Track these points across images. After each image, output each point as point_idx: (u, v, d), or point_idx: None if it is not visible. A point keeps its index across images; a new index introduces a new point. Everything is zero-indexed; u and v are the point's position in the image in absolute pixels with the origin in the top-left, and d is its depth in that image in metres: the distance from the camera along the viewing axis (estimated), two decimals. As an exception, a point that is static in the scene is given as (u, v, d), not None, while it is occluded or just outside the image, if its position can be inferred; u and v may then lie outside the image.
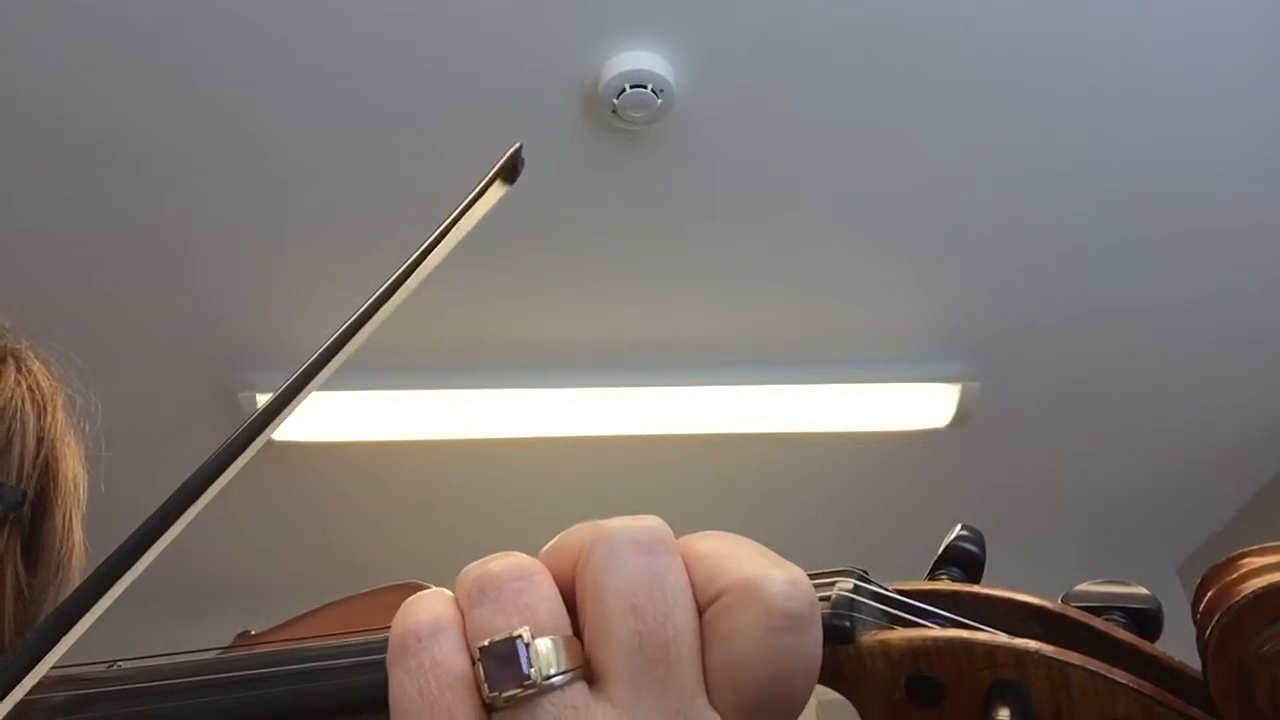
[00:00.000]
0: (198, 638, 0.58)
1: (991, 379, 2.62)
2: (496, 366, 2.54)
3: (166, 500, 0.38)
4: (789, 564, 0.34)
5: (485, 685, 0.32)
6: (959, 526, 0.42)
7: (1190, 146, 2.13)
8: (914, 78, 1.98)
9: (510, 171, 0.44)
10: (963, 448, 2.82)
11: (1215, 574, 0.32)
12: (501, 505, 2.90)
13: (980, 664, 0.35)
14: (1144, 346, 2.57)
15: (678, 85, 1.95)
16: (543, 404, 2.61)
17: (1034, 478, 2.97)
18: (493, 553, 0.37)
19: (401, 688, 0.33)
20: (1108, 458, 2.91)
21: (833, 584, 0.38)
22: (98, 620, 0.37)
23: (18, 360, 0.69)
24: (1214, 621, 0.31)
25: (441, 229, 0.43)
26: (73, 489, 0.70)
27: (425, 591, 0.36)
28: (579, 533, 0.36)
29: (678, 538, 0.36)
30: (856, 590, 0.38)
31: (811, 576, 0.36)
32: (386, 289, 0.42)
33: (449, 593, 0.36)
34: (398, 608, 0.35)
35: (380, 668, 0.34)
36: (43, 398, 0.69)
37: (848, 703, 0.37)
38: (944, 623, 0.37)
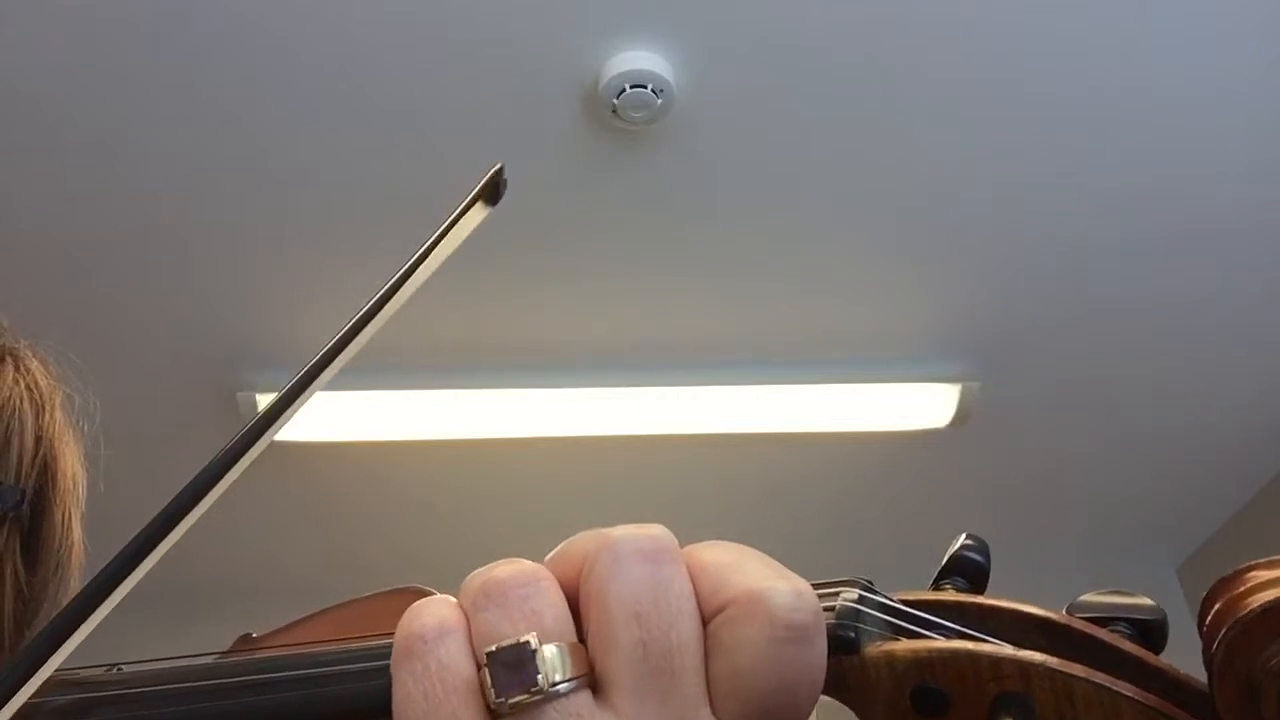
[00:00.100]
0: (198, 639, 0.58)
1: (991, 379, 2.62)
2: (496, 366, 2.54)
3: (170, 503, 0.38)
4: (794, 575, 0.34)
5: (491, 690, 0.32)
6: (964, 536, 0.42)
7: (1190, 146, 2.13)
8: (914, 78, 1.98)
9: (492, 193, 0.43)
10: (963, 448, 2.82)
11: (1222, 587, 0.32)
12: (501, 505, 2.90)
13: (985, 675, 0.35)
14: (1144, 346, 2.57)
15: (678, 85, 1.94)
16: (543, 404, 2.61)
17: (1034, 478, 2.97)
18: (493, 554, 0.37)
19: (406, 690, 0.33)
20: (1108, 458, 2.91)
21: (837, 594, 0.38)
22: (99, 623, 0.37)
23: (15, 359, 0.69)
24: (1221, 635, 0.31)
25: (421, 252, 0.42)
26: (71, 488, 0.70)
27: (430, 597, 0.36)
28: (583, 540, 0.36)
29: (682, 546, 0.36)
30: (861, 600, 0.38)
31: (816, 586, 0.36)
32: (362, 316, 0.41)
33: (454, 599, 0.35)
34: (399, 612, 0.35)
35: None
36: (41, 396, 0.69)
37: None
38: (949, 634, 0.36)
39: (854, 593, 0.38)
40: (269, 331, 2.43)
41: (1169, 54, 1.96)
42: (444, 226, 0.42)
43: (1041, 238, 2.30)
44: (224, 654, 0.51)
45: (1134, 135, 2.10)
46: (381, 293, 0.42)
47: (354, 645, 0.43)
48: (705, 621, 0.34)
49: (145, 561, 0.37)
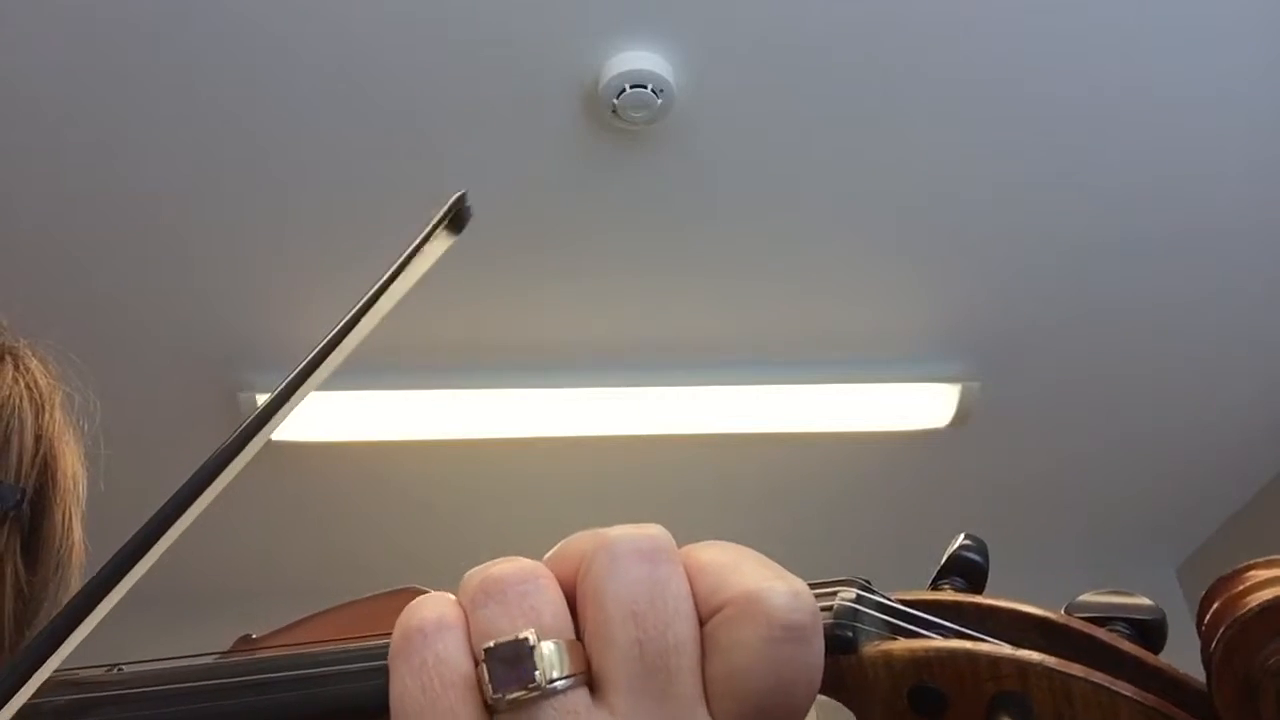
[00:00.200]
0: (198, 640, 0.58)
1: (991, 379, 2.62)
2: (496, 366, 2.54)
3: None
4: (791, 575, 0.34)
5: (489, 686, 0.32)
6: (962, 535, 0.42)
7: (1190, 146, 2.13)
8: (914, 78, 1.98)
9: (455, 221, 0.42)
10: (963, 448, 2.82)
11: (1221, 586, 0.32)
12: (501, 505, 2.90)
13: (983, 675, 0.35)
14: (1144, 346, 2.57)
15: (678, 85, 1.94)
16: (543, 404, 2.61)
17: (1034, 478, 2.97)
18: (493, 554, 0.37)
19: (403, 685, 0.33)
20: (1107, 457, 2.91)
21: (835, 594, 0.38)
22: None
23: (15, 358, 0.69)
24: (1220, 634, 0.31)
25: (378, 286, 0.40)
26: (72, 487, 0.70)
27: (430, 594, 0.36)
28: (581, 540, 0.36)
29: (681, 546, 0.36)
30: (859, 600, 0.37)
31: (813, 586, 0.36)
32: (322, 350, 0.40)
33: (453, 596, 0.35)
34: (399, 613, 0.35)
35: None
36: (40, 396, 0.69)
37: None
38: (947, 633, 0.36)
39: (852, 592, 0.38)
40: (269, 331, 2.43)
41: (1169, 54, 1.96)
42: (404, 258, 0.41)
43: (1041, 238, 2.30)
44: (224, 654, 0.51)
45: (1134, 135, 2.10)
46: (337, 329, 0.40)
47: (353, 645, 0.43)
48: (702, 622, 0.34)
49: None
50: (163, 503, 0.38)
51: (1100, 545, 3.23)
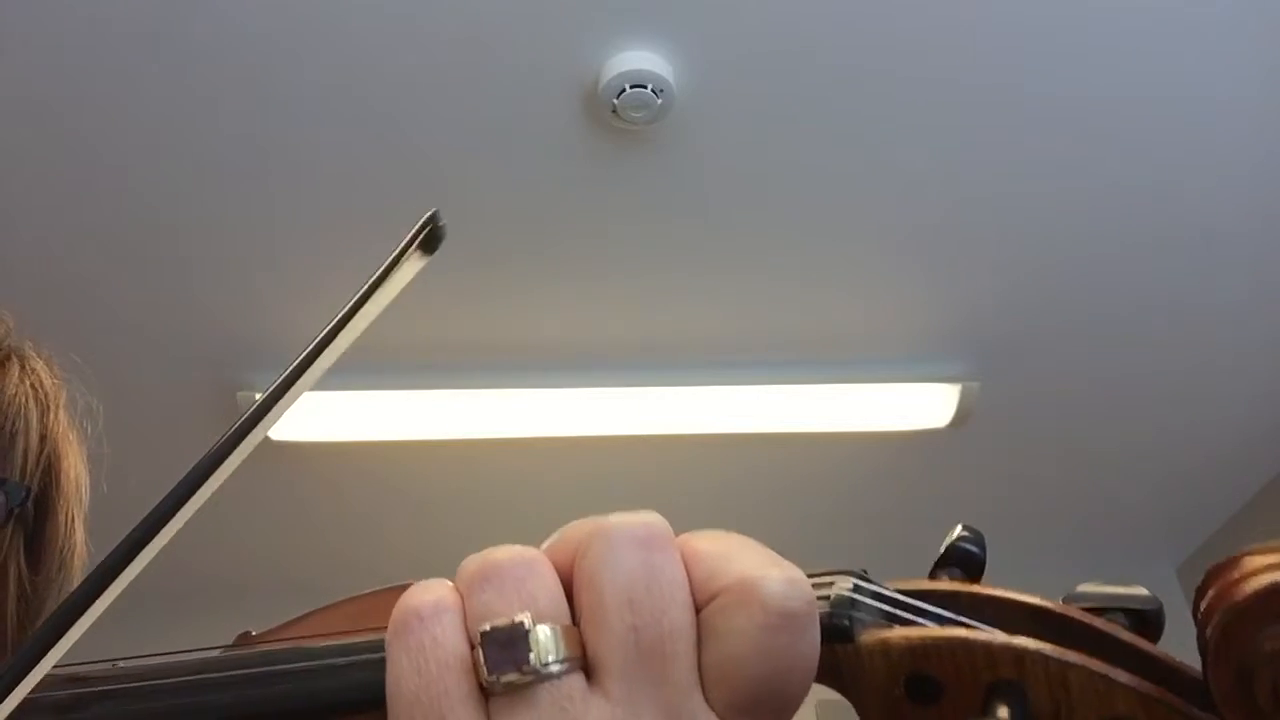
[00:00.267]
0: (198, 639, 0.58)
1: (991, 379, 2.62)
2: (496, 366, 2.54)
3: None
4: (787, 563, 0.34)
5: (484, 668, 0.32)
6: (960, 526, 0.42)
7: (1190, 147, 2.13)
8: (914, 77, 1.98)
9: (429, 241, 0.41)
10: (963, 448, 2.82)
11: (1216, 573, 0.32)
12: (501, 505, 2.90)
13: (980, 663, 0.35)
14: (1143, 346, 2.57)
15: (678, 85, 1.94)
16: (543, 404, 2.61)
17: (1034, 478, 2.97)
18: (493, 553, 0.37)
19: (399, 667, 0.33)
20: (1107, 457, 2.91)
21: (832, 584, 0.38)
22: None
23: (21, 359, 0.70)
24: (1215, 620, 0.31)
25: (348, 309, 0.39)
26: (75, 488, 0.70)
27: (428, 580, 0.36)
28: (579, 527, 0.36)
29: (677, 536, 0.36)
30: (856, 590, 0.38)
31: (811, 576, 0.36)
32: (282, 382, 0.39)
33: (451, 582, 0.36)
34: None
35: None
36: (46, 396, 0.69)
37: (847, 703, 0.37)
38: (943, 622, 0.36)
39: (849, 582, 0.38)
40: (268, 331, 2.43)
41: (1169, 54, 1.96)
42: (374, 278, 0.39)
43: (1041, 238, 2.31)
44: (223, 649, 0.51)
45: (1134, 135, 2.10)
46: (302, 357, 0.39)
47: (353, 638, 0.43)
48: (698, 609, 0.34)
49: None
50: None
51: (1100, 545, 3.23)
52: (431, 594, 0.34)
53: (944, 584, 0.39)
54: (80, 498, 0.71)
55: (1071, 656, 0.34)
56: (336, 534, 3.02)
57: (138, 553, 0.37)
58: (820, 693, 0.38)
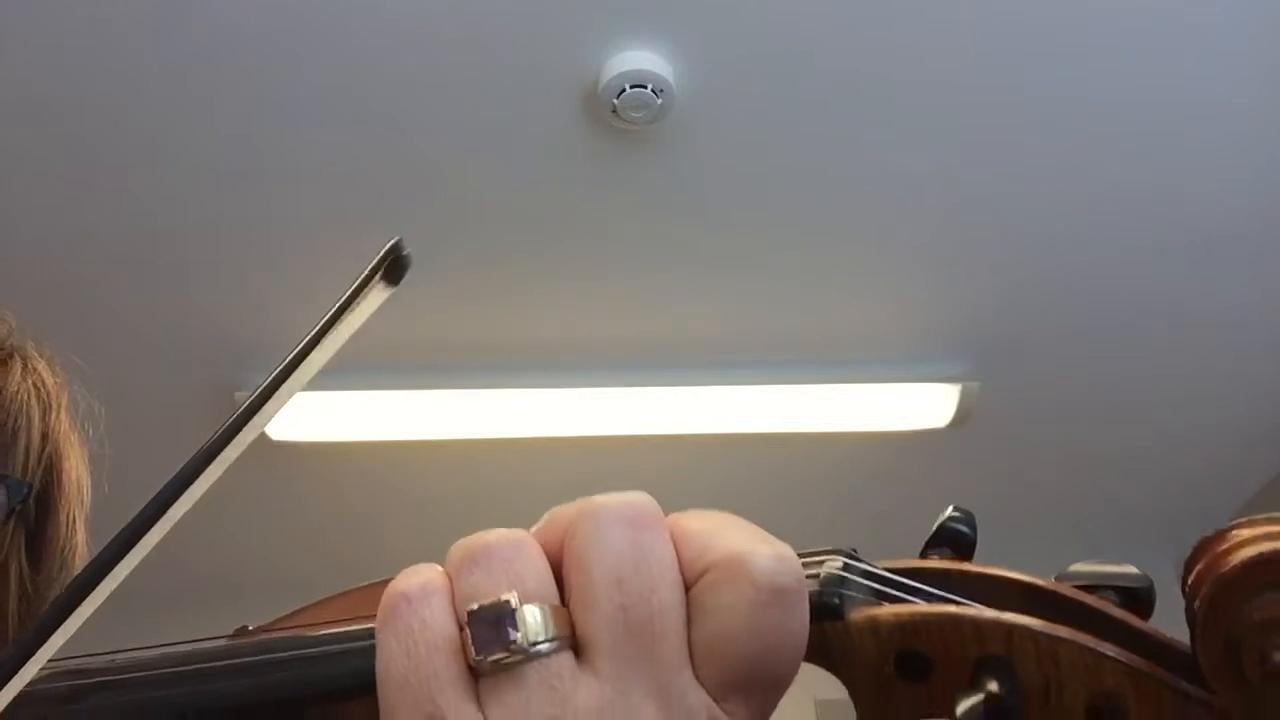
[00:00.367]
0: (196, 637, 0.58)
1: (991, 379, 2.62)
2: (496, 366, 2.54)
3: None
4: (776, 540, 0.34)
5: (472, 649, 0.32)
6: (950, 508, 0.42)
7: (1191, 149, 2.13)
8: (914, 78, 1.98)
9: (392, 271, 0.38)
10: (963, 448, 2.81)
11: (1205, 545, 0.32)
12: (501, 505, 2.90)
13: (968, 639, 0.35)
14: (1143, 349, 2.57)
15: (678, 85, 1.95)
16: (542, 404, 2.61)
17: (1034, 478, 2.97)
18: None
19: (389, 650, 0.33)
20: (1107, 457, 2.91)
21: (822, 562, 0.38)
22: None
23: (24, 358, 0.70)
24: (1203, 592, 0.31)
25: (309, 339, 0.37)
26: (76, 488, 0.71)
27: (418, 564, 0.36)
28: (568, 508, 0.36)
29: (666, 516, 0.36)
30: (846, 568, 0.38)
31: (801, 555, 0.36)
32: (237, 418, 0.37)
33: (440, 566, 0.36)
34: None
35: None
36: (48, 395, 0.70)
37: (848, 702, 0.37)
38: (933, 599, 0.37)
39: (839, 560, 0.38)
40: (268, 332, 2.43)
41: (1169, 55, 1.96)
42: (333, 311, 0.38)
43: (1042, 238, 2.31)
44: (219, 640, 0.51)
45: (1134, 136, 2.10)
46: (259, 392, 0.37)
47: (346, 627, 0.43)
48: (688, 587, 0.34)
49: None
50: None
51: (1100, 546, 3.22)
52: (420, 577, 0.35)
53: (934, 562, 0.39)
54: (81, 498, 0.71)
55: (1061, 631, 0.34)
56: (335, 534, 3.02)
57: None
58: (820, 692, 0.38)
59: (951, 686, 0.34)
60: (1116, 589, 0.37)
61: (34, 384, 0.69)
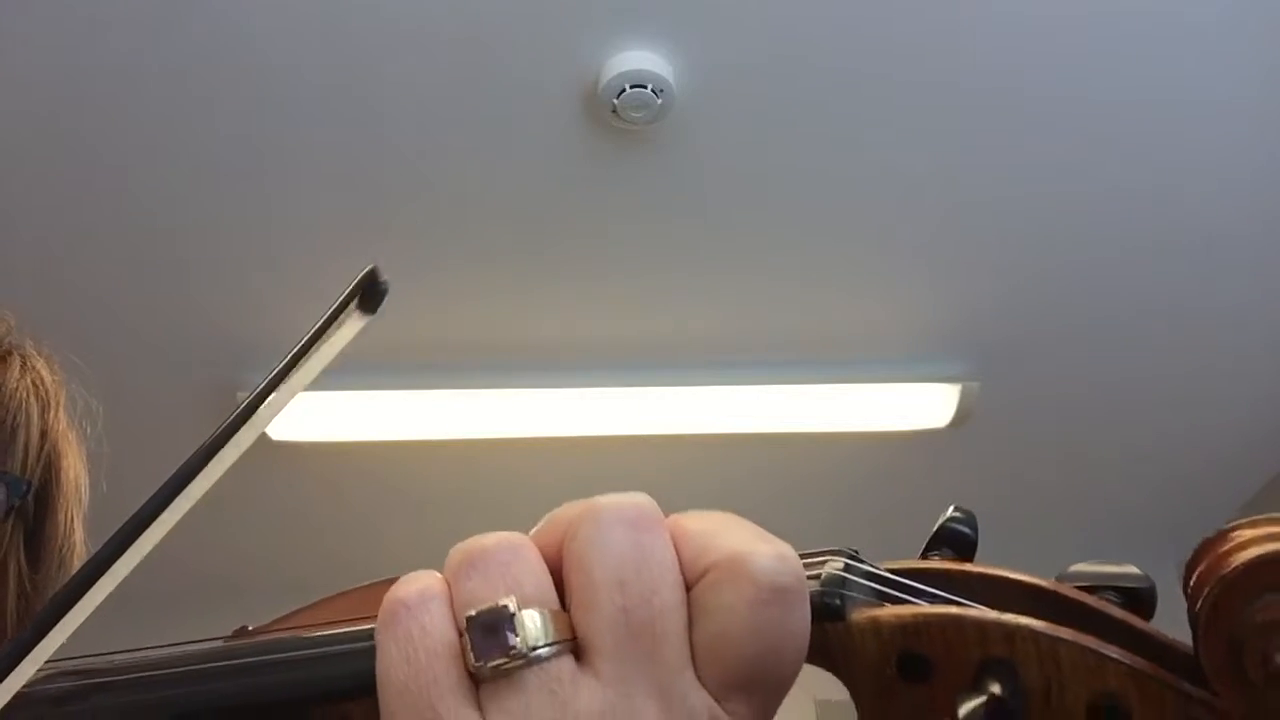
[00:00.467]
0: (196, 638, 0.58)
1: (991, 379, 2.62)
2: (496, 366, 2.54)
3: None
4: (777, 540, 0.34)
5: (471, 654, 0.32)
6: (951, 508, 0.42)
7: (1191, 149, 2.13)
8: (914, 79, 1.98)
9: (368, 299, 0.37)
10: (963, 448, 2.81)
11: (1207, 546, 0.32)
12: (501, 505, 2.90)
13: (971, 640, 0.35)
14: (1144, 349, 2.57)
15: (678, 85, 1.94)
16: (542, 404, 2.61)
17: (1034, 478, 2.97)
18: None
19: (389, 656, 0.33)
20: (1107, 458, 2.91)
21: (823, 563, 0.38)
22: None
23: (23, 356, 0.70)
24: (1205, 593, 0.31)
25: (282, 366, 0.36)
26: (74, 487, 0.70)
27: (417, 570, 0.36)
28: (568, 510, 0.36)
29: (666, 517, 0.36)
30: (847, 569, 0.37)
31: (802, 556, 0.36)
32: (205, 450, 0.36)
33: (439, 572, 0.36)
34: None
35: None
36: (46, 393, 0.70)
37: (849, 703, 0.37)
38: (935, 600, 0.36)
39: (840, 561, 0.38)
40: (267, 332, 2.43)
41: (1170, 56, 1.96)
42: (306, 339, 0.37)
43: (1042, 238, 2.30)
44: (218, 641, 0.51)
45: (1134, 136, 2.10)
46: (221, 430, 0.36)
47: (346, 628, 0.43)
48: (689, 587, 0.34)
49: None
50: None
51: (1100, 547, 3.23)
52: (418, 583, 0.34)
53: (935, 563, 0.39)
54: (80, 497, 0.71)
55: (1063, 633, 0.34)
56: (335, 534, 3.02)
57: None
58: (820, 692, 0.38)
59: (953, 688, 0.34)
60: (1118, 589, 0.37)
61: (33, 381, 0.69)
